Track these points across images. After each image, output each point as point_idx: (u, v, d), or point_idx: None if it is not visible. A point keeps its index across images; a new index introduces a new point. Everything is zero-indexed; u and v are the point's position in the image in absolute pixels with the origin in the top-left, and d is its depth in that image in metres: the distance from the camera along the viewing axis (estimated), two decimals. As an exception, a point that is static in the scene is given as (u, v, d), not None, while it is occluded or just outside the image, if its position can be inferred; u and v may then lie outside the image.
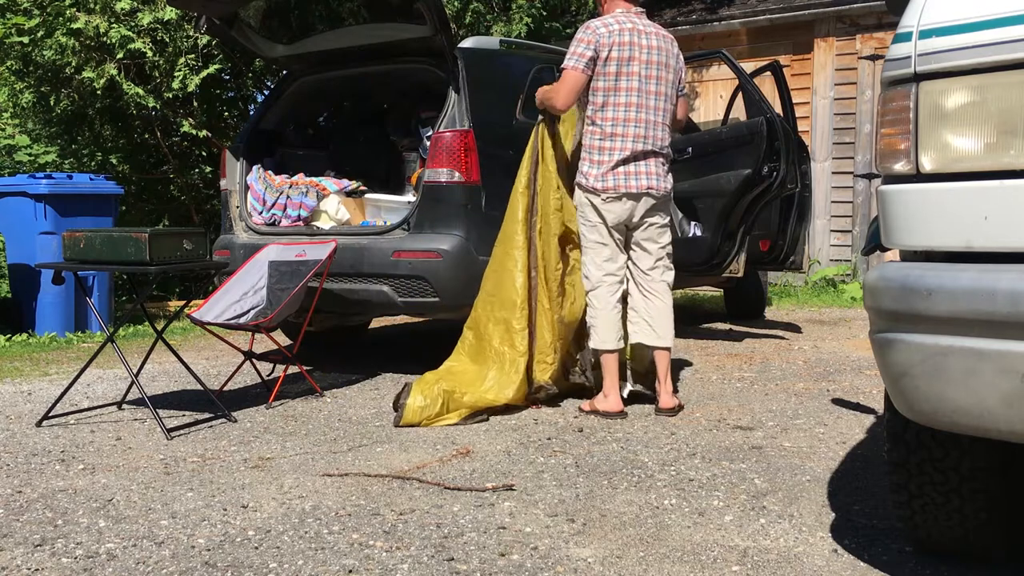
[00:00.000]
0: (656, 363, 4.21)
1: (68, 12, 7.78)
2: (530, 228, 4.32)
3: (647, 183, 4.11)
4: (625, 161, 4.08)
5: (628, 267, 4.24)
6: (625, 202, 4.11)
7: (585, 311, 4.28)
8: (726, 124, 6.67)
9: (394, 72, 5.55)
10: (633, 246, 4.23)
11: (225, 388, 4.72)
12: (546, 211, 4.34)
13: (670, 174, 4.26)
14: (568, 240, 4.42)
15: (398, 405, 4.02)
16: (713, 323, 7.30)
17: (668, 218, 4.28)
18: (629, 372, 4.37)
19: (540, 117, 4.36)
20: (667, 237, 4.27)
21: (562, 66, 4.13)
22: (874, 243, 2.15)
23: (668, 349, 4.20)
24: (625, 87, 4.06)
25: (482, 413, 4.06)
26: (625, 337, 4.25)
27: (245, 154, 5.56)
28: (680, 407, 4.18)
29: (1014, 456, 2.24)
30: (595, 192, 4.12)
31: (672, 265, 4.28)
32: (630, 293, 4.25)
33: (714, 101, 9.91)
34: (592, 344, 4.22)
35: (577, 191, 4.23)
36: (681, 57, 4.29)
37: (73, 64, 8.00)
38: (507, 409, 4.23)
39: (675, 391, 4.33)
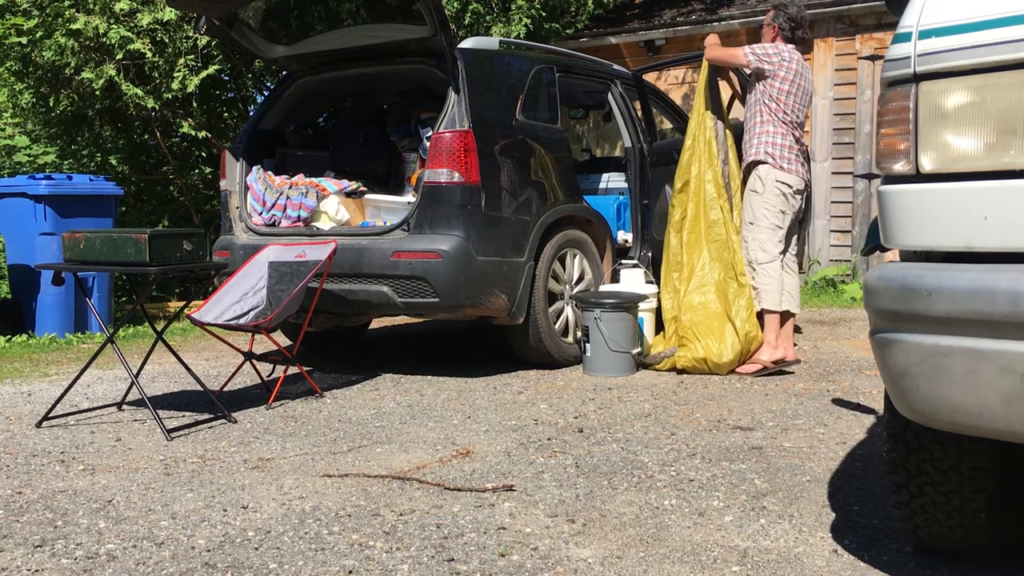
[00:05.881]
0: (787, 325, 5.18)
1: (67, 13, 7.77)
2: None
3: (809, 177, 5.23)
4: (806, 159, 5.15)
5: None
6: (803, 193, 5.16)
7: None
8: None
9: (394, 72, 5.54)
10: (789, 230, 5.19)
11: (225, 389, 4.72)
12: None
13: None
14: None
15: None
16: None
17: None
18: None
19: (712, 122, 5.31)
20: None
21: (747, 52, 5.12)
22: (874, 243, 2.15)
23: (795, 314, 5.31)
24: (801, 103, 5.12)
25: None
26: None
27: (245, 155, 5.56)
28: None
29: (1014, 456, 2.24)
30: (789, 183, 5.04)
31: None
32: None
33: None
34: (765, 306, 5.05)
35: (769, 178, 5.02)
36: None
37: (72, 65, 7.99)
38: (507, 409, 4.24)
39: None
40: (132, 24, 7.90)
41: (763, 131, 5.09)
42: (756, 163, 5.10)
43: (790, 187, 5.06)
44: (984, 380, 1.73)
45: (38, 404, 4.50)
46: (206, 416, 4.17)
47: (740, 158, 5.34)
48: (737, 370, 5.03)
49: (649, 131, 6.30)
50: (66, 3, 7.77)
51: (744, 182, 5.24)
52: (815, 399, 4.42)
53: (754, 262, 5.08)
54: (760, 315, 5.10)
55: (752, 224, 5.10)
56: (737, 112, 6.00)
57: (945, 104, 1.85)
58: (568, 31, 10.10)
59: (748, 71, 5.22)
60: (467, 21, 8.53)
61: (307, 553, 2.53)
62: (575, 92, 6.53)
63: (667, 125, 7.68)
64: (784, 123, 5.06)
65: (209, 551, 2.55)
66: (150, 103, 8.28)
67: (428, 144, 5.01)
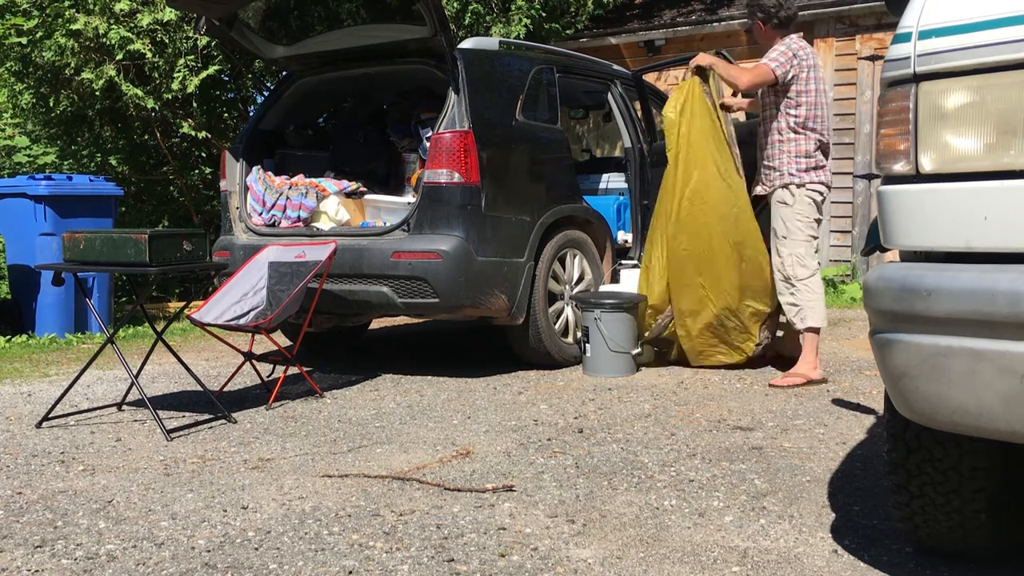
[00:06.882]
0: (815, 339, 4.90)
1: (67, 13, 7.78)
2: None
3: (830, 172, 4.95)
4: (825, 154, 4.87)
5: None
6: (829, 189, 4.92)
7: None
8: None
9: (394, 72, 5.55)
10: None
11: (225, 389, 4.72)
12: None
13: None
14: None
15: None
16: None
17: None
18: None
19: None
20: None
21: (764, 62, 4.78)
22: (874, 244, 2.15)
23: None
24: (824, 101, 4.86)
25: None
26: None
27: (245, 155, 5.56)
28: None
29: (1014, 456, 2.24)
30: (821, 193, 4.81)
31: None
32: None
33: (714, 101, 9.86)
34: (810, 323, 4.76)
35: (795, 191, 4.77)
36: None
37: (72, 65, 8.00)
38: (507, 410, 4.25)
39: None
40: (132, 24, 7.90)
41: (787, 149, 4.81)
42: (784, 185, 4.83)
43: (818, 192, 4.83)
44: (983, 380, 1.73)
45: (38, 404, 4.50)
46: (206, 416, 4.17)
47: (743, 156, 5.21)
48: (773, 382, 4.73)
49: (649, 131, 6.31)
50: (66, 3, 7.77)
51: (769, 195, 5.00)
52: (815, 399, 4.42)
53: (793, 278, 4.77)
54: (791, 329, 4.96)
55: (786, 239, 4.79)
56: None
57: (945, 104, 1.85)
58: (568, 31, 10.10)
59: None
60: (467, 21, 8.53)
61: (307, 553, 2.53)
62: (575, 92, 6.52)
63: (667, 125, 7.66)
64: (807, 129, 4.79)
65: (209, 551, 2.56)
66: (150, 103, 8.28)
67: (428, 144, 5.02)
